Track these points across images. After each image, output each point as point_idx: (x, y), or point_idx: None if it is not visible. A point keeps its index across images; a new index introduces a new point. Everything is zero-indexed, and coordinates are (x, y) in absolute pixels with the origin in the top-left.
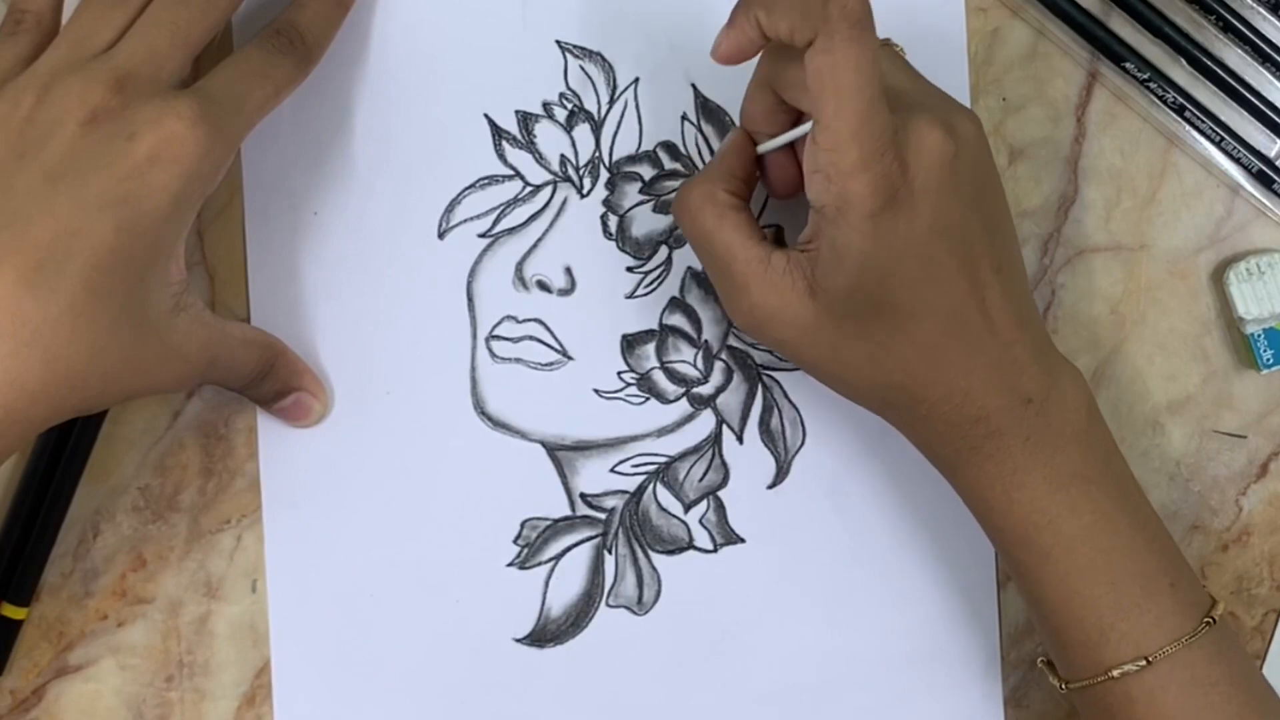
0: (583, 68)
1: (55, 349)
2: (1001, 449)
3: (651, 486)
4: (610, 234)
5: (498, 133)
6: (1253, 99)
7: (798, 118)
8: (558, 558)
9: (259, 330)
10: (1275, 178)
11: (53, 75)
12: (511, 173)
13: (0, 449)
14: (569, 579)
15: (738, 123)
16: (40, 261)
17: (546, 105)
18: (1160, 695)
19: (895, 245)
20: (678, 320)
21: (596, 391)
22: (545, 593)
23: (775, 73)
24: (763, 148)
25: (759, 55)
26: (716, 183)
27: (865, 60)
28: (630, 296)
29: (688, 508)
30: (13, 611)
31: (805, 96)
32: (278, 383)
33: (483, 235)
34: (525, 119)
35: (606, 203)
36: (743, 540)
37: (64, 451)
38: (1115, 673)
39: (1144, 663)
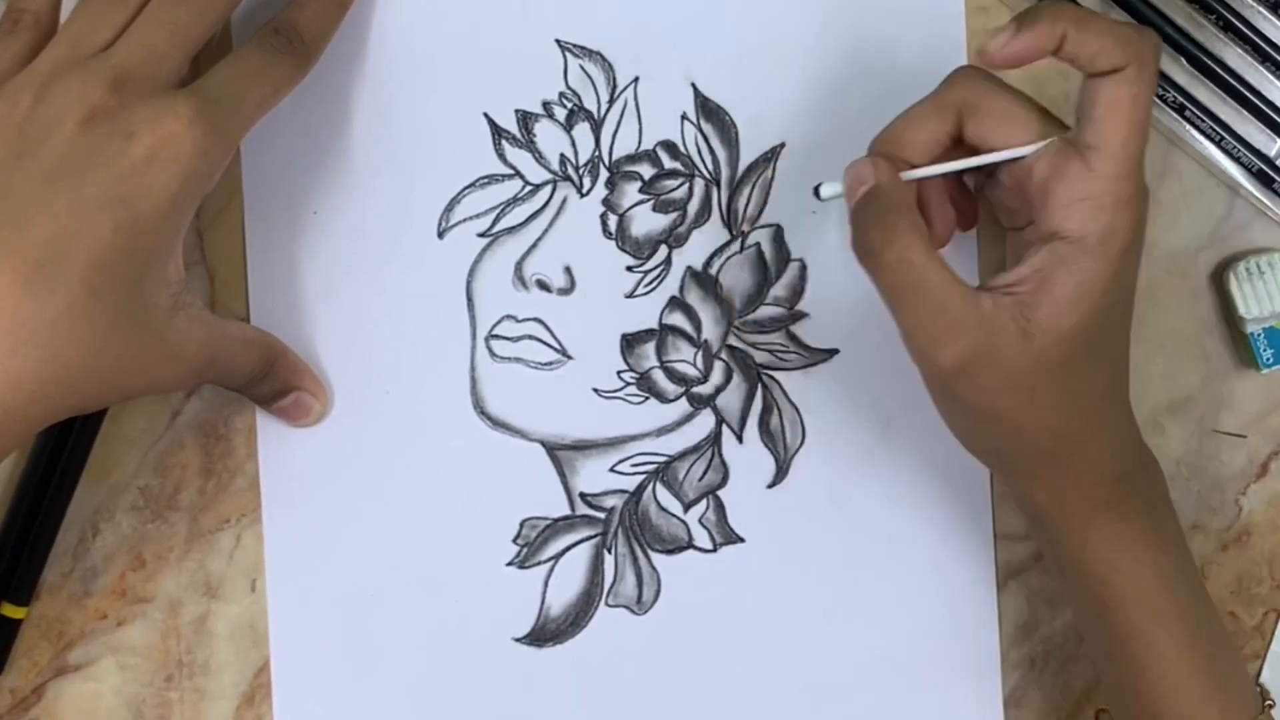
0: (582, 67)
1: (54, 348)
2: (1134, 510)
3: (651, 486)
4: (610, 233)
5: (497, 132)
6: (1253, 98)
7: (949, 151)
8: (557, 557)
9: (259, 330)
10: (1275, 177)
11: (51, 74)
12: (511, 172)
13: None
14: (568, 578)
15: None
16: (39, 261)
17: (546, 104)
18: None
19: (1124, 286)
20: (677, 319)
21: (596, 391)
22: (545, 592)
23: (973, 98)
24: (920, 173)
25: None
26: (915, 213)
27: (1151, 100)
28: (630, 296)
29: (687, 507)
30: (13, 611)
31: (1006, 128)
32: (277, 382)
33: (482, 234)
34: (525, 118)
35: (606, 202)
36: (742, 540)
37: (64, 451)
38: None
39: None
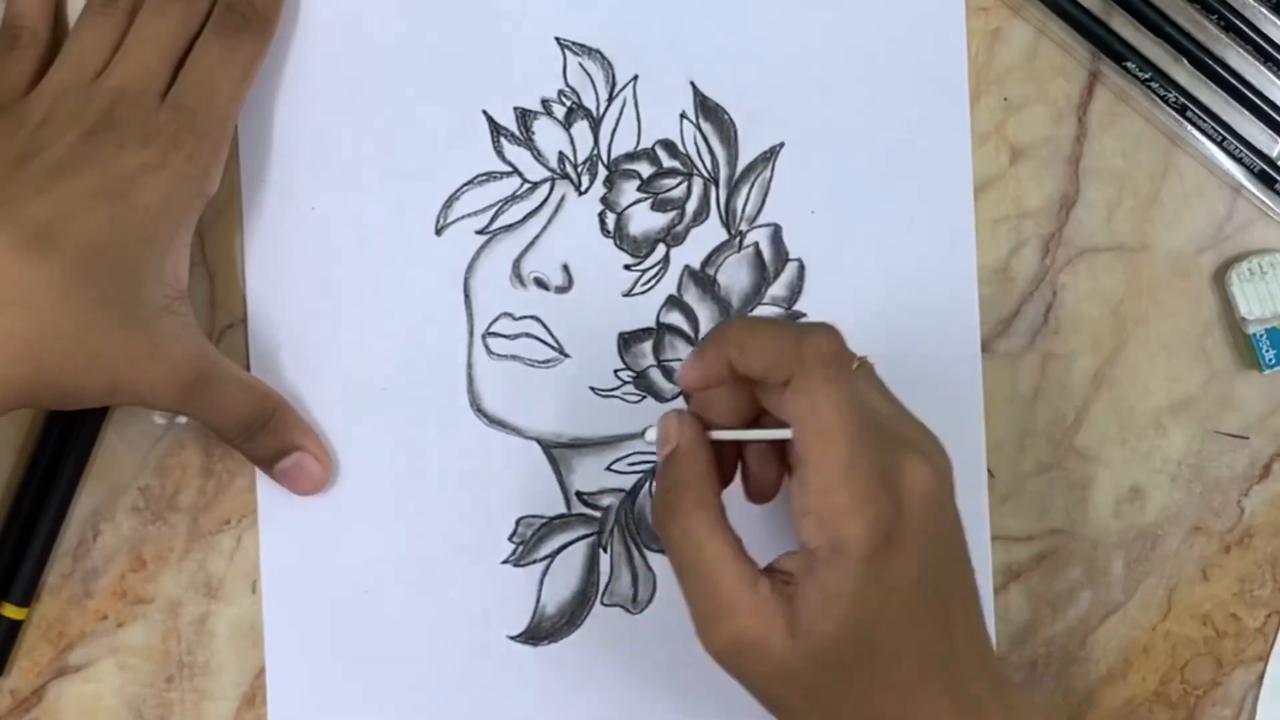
0: (582, 65)
1: (44, 312)
2: None
3: (648, 485)
4: (608, 231)
5: (496, 129)
6: (1254, 99)
7: (761, 413)
8: (553, 555)
9: (259, 380)
10: (1277, 177)
11: (56, 99)
12: (510, 169)
13: None
14: (564, 577)
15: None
16: (35, 235)
17: (545, 102)
18: None
19: (886, 589)
20: (675, 318)
21: (593, 389)
22: (540, 590)
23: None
24: (719, 435)
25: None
26: (704, 482)
27: (845, 398)
28: (628, 294)
29: None
30: (13, 612)
31: (777, 399)
32: (276, 438)
33: (480, 232)
34: (524, 116)
35: (604, 200)
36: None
37: (64, 452)
38: None
39: None
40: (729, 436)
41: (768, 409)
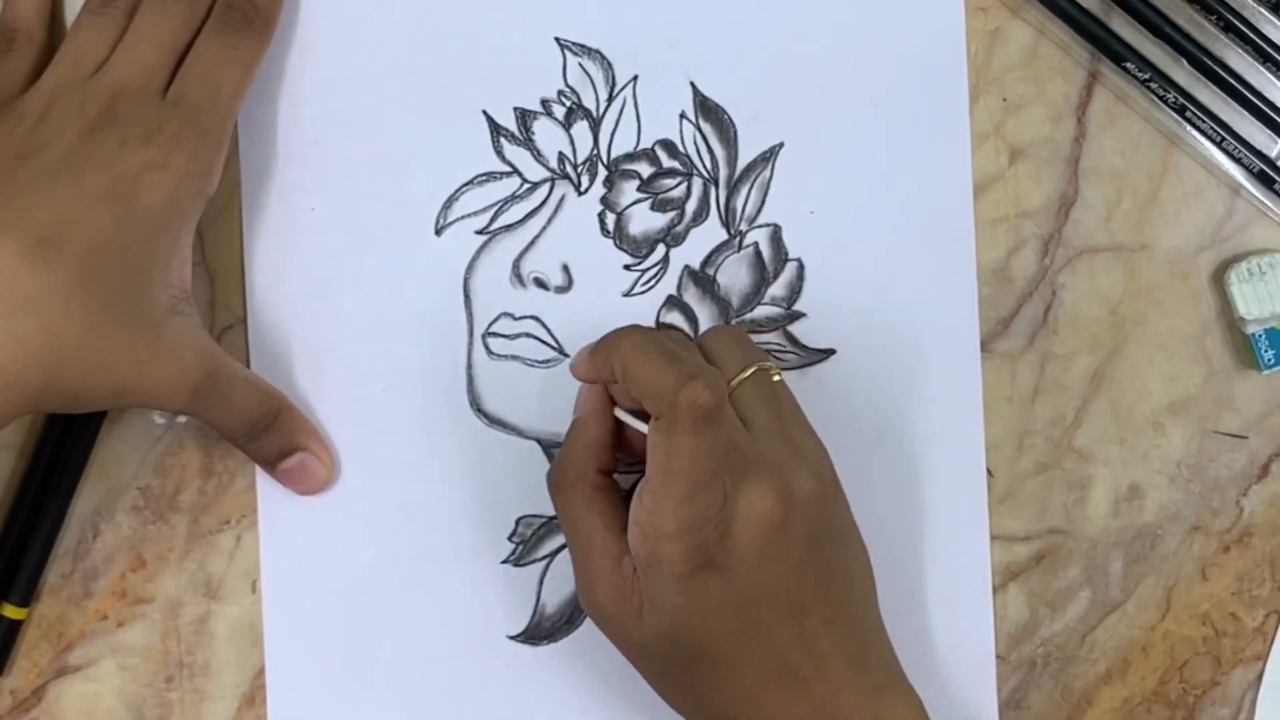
0: (581, 65)
1: (49, 317)
2: None
3: None
4: (608, 232)
5: (496, 129)
6: (1253, 99)
7: None
8: (553, 555)
9: (264, 380)
10: (1276, 178)
11: (54, 95)
12: (509, 169)
13: None
14: (564, 577)
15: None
16: (40, 239)
17: (545, 102)
18: None
19: (709, 605)
20: (675, 319)
21: None
22: (540, 590)
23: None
24: (619, 413)
25: None
26: (590, 460)
27: (701, 451)
28: (627, 294)
29: None
30: (13, 612)
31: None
32: (281, 438)
33: (480, 232)
34: (523, 116)
35: (604, 200)
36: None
37: (64, 452)
38: None
39: None
40: (627, 422)
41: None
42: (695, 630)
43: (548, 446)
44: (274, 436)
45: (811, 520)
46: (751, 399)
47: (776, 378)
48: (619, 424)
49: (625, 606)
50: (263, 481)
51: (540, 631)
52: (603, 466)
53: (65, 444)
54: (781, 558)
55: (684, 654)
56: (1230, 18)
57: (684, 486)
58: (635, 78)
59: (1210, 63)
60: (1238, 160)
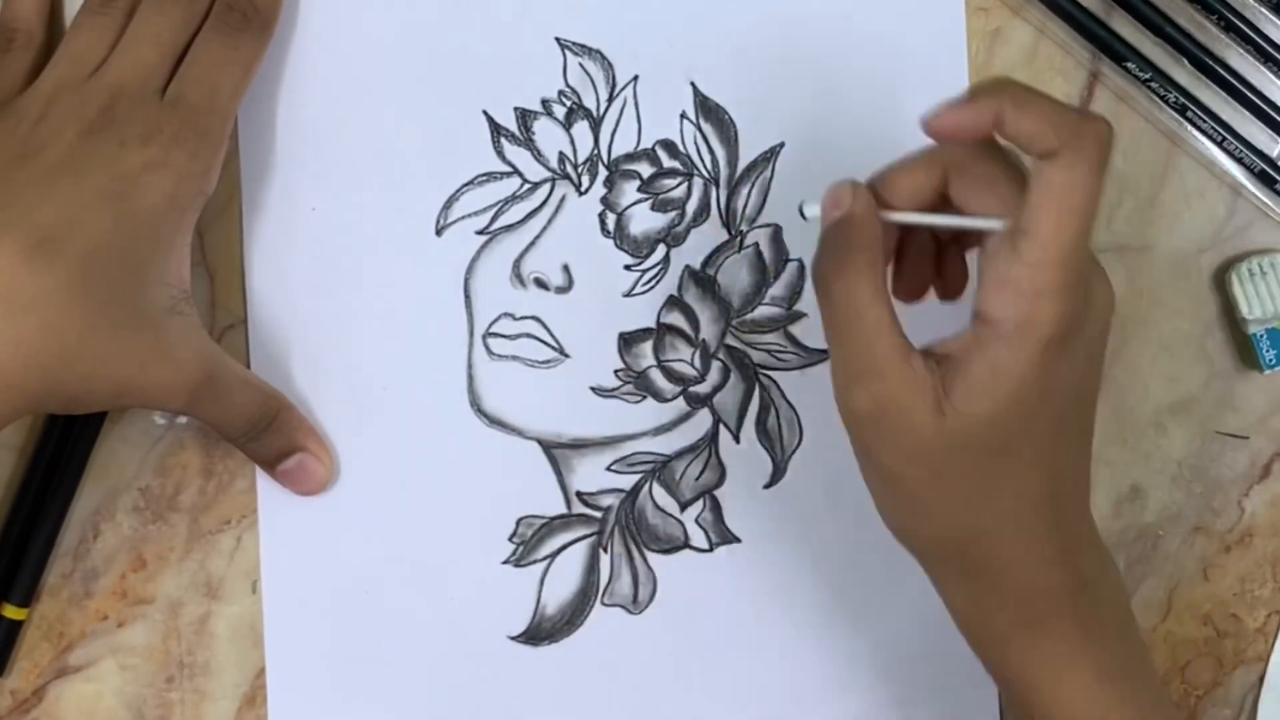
0: (582, 65)
1: (50, 318)
2: (1059, 630)
3: (648, 485)
4: (608, 232)
5: (496, 130)
6: (1255, 99)
7: (943, 204)
8: (553, 556)
9: (263, 380)
10: (1277, 178)
11: (53, 94)
12: (510, 170)
13: None
14: (564, 577)
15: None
16: (40, 240)
17: (545, 102)
18: None
19: (1050, 385)
20: (675, 319)
21: (593, 389)
22: (540, 591)
23: (961, 159)
24: (897, 217)
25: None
26: (876, 251)
27: (1098, 188)
28: (628, 295)
29: (684, 507)
30: (13, 612)
31: (985, 195)
32: (280, 438)
33: (480, 232)
34: (524, 116)
35: (605, 200)
36: (739, 540)
37: (64, 452)
38: None
39: None
40: (917, 219)
41: (957, 202)
42: (1024, 415)
43: (548, 446)
44: (273, 437)
45: (1107, 335)
46: None
47: None
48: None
49: (917, 400)
50: (263, 482)
51: (541, 632)
52: (885, 263)
53: (65, 444)
54: (1101, 354)
55: (991, 446)
56: (1231, 18)
57: (1079, 228)
58: (636, 78)
59: (1211, 63)
60: (1239, 160)
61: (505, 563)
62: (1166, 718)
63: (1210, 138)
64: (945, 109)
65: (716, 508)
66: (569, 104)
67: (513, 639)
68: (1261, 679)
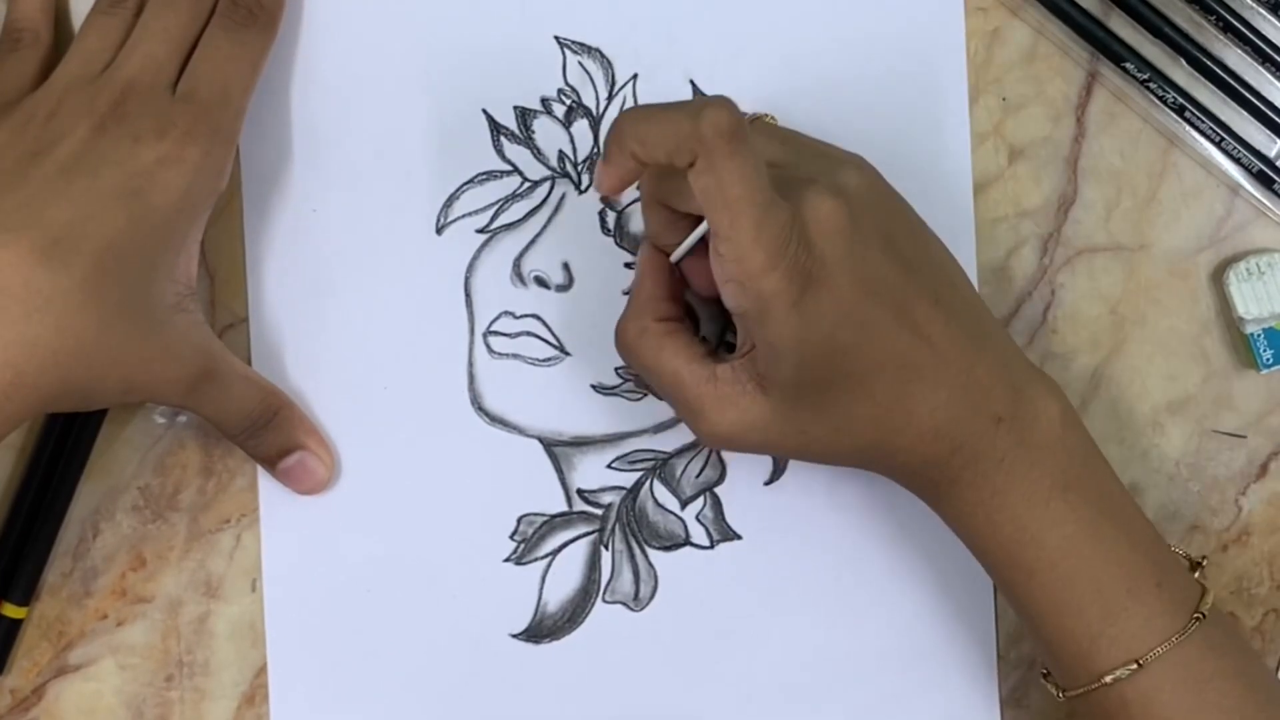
0: (581, 64)
1: (65, 318)
2: (979, 475)
3: (648, 482)
4: (608, 230)
5: (496, 128)
6: (1253, 99)
7: (698, 220)
8: (554, 553)
9: (264, 378)
10: (1275, 178)
11: (65, 91)
12: (510, 168)
13: (10, 413)
14: (565, 575)
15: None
16: (55, 239)
17: (545, 101)
18: (1154, 696)
19: (827, 322)
20: None
21: (594, 387)
22: (542, 588)
23: (660, 189)
24: (674, 257)
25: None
26: (645, 315)
27: (748, 169)
28: (628, 292)
29: (684, 504)
30: (13, 611)
31: (696, 204)
32: (280, 436)
33: (481, 231)
34: (524, 114)
35: (604, 199)
36: (739, 537)
37: (64, 451)
38: (1108, 679)
39: (1135, 666)
40: (680, 252)
41: (678, 208)
42: (823, 358)
43: (549, 444)
44: (273, 434)
45: (874, 207)
46: (765, 146)
47: (776, 121)
48: (681, 276)
49: (742, 403)
50: (264, 480)
51: (542, 630)
52: (661, 315)
53: (65, 444)
54: (865, 251)
55: (819, 391)
56: (1229, 18)
57: (751, 212)
58: (635, 76)
59: (1209, 63)
60: (1237, 160)
61: (506, 560)
62: (1118, 515)
63: (1208, 138)
64: (597, 172)
65: (717, 505)
66: (569, 102)
67: (514, 637)
68: None
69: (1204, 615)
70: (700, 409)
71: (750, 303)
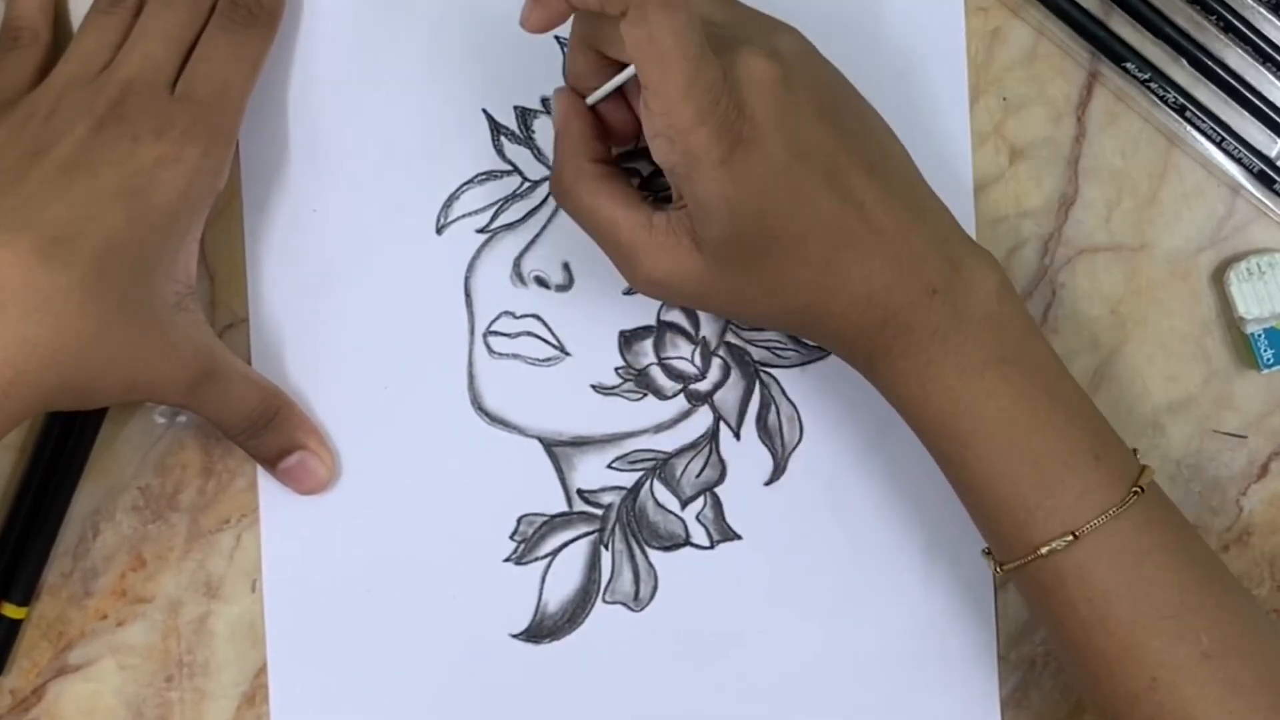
0: None
1: (65, 317)
2: (912, 344)
3: (649, 483)
4: None
5: (496, 128)
6: (1253, 99)
7: (621, 66)
8: (554, 553)
9: (265, 378)
10: (1276, 178)
11: (64, 91)
12: (510, 168)
13: (10, 412)
14: (565, 575)
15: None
16: (55, 238)
17: (545, 101)
18: (1090, 569)
19: (756, 182)
20: (675, 316)
21: (594, 387)
22: (542, 588)
23: (592, 31)
24: (591, 99)
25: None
26: (580, 156)
27: (680, 21)
28: (628, 293)
29: (685, 504)
30: (13, 611)
31: (620, 45)
32: (280, 436)
33: (481, 231)
34: (524, 114)
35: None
36: (739, 537)
37: (64, 451)
38: (1044, 550)
39: (1071, 538)
40: (598, 95)
41: (609, 53)
42: (754, 217)
43: (549, 445)
44: (273, 434)
45: (809, 73)
46: (702, 3)
47: None
48: (600, 118)
49: (677, 254)
50: (264, 480)
51: (542, 630)
52: (594, 156)
53: (65, 444)
54: (798, 113)
55: (751, 250)
56: (1230, 18)
57: (682, 67)
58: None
59: (1210, 63)
60: (1237, 160)
61: (506, 561)
62: (1055, 389)
63: (1209, 138)
64: (525, 8)
65: (717, 505)
66: None
67: (514, 637)
68: None
69: (1142, 489)
70: (634, 254)
71: (678, 158)
